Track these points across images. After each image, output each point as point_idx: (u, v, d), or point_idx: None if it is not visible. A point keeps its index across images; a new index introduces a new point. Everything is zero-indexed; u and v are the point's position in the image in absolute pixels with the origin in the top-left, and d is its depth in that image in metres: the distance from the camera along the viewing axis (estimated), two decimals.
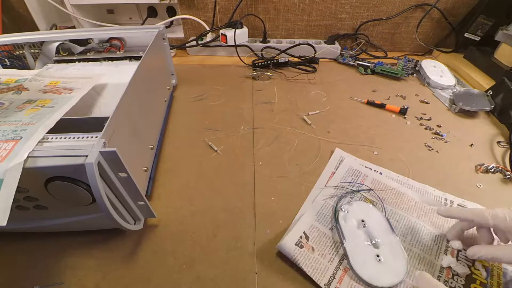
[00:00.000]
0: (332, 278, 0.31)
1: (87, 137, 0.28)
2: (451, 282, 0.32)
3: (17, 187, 0.23)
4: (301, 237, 0.34)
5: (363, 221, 0.36)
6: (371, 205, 0.38)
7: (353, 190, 0.41)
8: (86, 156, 0.25)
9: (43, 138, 0.28)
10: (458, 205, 0.40)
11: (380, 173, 0.44)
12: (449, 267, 0.33)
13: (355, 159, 0.47)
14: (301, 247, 0.33)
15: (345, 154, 0.47)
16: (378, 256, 0.33)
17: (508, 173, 0.45)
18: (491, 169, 0.46)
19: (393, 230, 0.35)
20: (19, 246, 0.34)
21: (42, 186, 0.26)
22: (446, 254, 0.34)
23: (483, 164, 0.46)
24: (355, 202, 0.39)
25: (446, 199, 0.41)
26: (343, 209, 0.37)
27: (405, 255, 0.33)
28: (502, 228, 0.30)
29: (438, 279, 0.32)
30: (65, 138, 0.28)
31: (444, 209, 0.35)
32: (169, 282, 0.31)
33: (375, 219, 0.36)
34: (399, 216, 0.38)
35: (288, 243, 0.33)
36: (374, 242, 0.34)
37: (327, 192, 0.41)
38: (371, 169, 0.45)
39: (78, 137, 0.28)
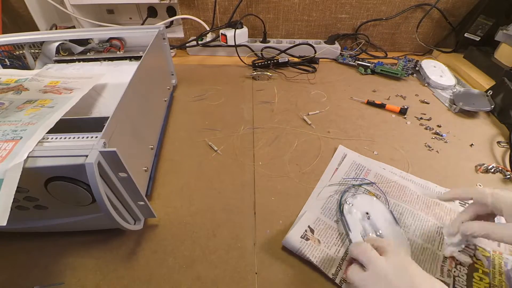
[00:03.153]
0: (339, 269, 0.32)
1: (87, 137, 0.28)
2: (455, 271, 0.32)
3: (17, 187, 0.23)
4: (306, 230, 0.35)
5: (367, 213, 0.36)
6: (374, 198, 0.39)
7: (354, 185, 0.41)
8: (86, 156, 0.25)
9: (43, 138, 0.28)
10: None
11: (384, 169, 0.45)
12: (452, 257, 0.33)
13: (358, 155, 0.47)
14: (307, 239, 0.34)
15: (348, 150, 0.48)
16: None
17: (508, 173, 0.45)
18: (491, 169, 0.46)
19: (397, 222, 0.36)
20: (19, 246, 0.34)
21: (42, 186, 0.26)
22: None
23: (483, 164, 0.46)
24: (359, 195, 0.39)
25: None
26: (347, 202, 0.38)
27: (408, 245, 0.34)
28: (502, 207, 0.28)
29: (442, 269, 0.32)
30: (65, 138, 0.28)
31: (444, 193, 0.35)
32: (169, 282, 0.31)
33: (379, 212, 0.37)
34: (402, 209, 0.39)
35: (294, 236, 0.34)
36: (378, 233, 0.35)
37: (332, 188, 0.41)
38: (376, 165, 0.45)
39: (78, 137, 0.28)
